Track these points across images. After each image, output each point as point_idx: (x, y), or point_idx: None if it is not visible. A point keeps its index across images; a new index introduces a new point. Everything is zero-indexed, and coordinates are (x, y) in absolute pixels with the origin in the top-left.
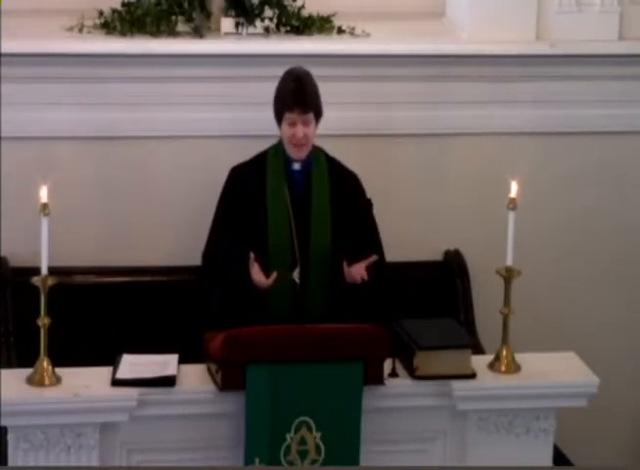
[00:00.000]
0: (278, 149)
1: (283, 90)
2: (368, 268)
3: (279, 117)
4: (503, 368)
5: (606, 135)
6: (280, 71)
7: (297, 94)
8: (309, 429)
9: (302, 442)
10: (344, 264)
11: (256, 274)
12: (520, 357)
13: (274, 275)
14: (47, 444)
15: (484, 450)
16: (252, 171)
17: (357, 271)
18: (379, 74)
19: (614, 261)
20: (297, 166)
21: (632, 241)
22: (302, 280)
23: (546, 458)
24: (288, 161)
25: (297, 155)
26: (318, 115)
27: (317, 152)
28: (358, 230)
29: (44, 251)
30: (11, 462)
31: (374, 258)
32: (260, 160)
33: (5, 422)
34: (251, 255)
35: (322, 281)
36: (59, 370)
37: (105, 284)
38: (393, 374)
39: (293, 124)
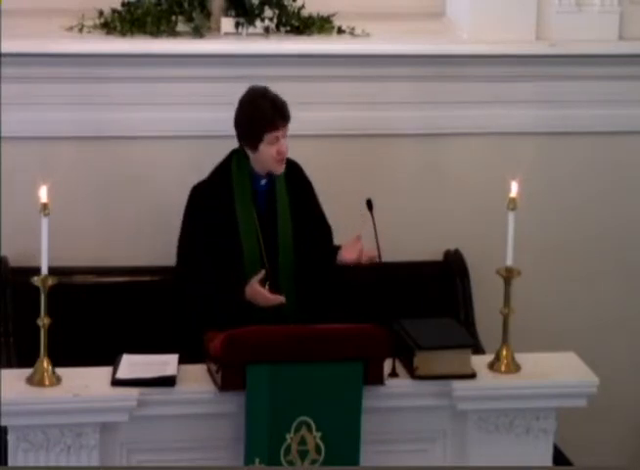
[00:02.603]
0: (241, 164)
1: (260, 111)
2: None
3: (258, 139)
4: (503, 368)
5: (606, 135)
6: (280, 71)
7: (279, 110)
8: (309, 429)
9: (302, 442)
10: (339, 254)
11: (268, 296)
12: (520, 357)
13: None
14: (47, 444)
15: (484, 450)
16: (217, 189)
17: (352, 250)
18: (379, 74)
19: (614, 261)
20: (263, 182)
21: (632, 241)
22: (272, 292)
23: (546, 458)
24: (254, 177)
25: (281, 170)
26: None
27: None
28: (311, 218)
29: (44, 251)
30: (11, 462)
31: (359, 237)
32: (222, 175)
33: (5, 422)
34: (261, 274)
35: (290, 290)
36: (59, 370)
37: (105, 284)
38: (393, 374)
39: (275, 141)
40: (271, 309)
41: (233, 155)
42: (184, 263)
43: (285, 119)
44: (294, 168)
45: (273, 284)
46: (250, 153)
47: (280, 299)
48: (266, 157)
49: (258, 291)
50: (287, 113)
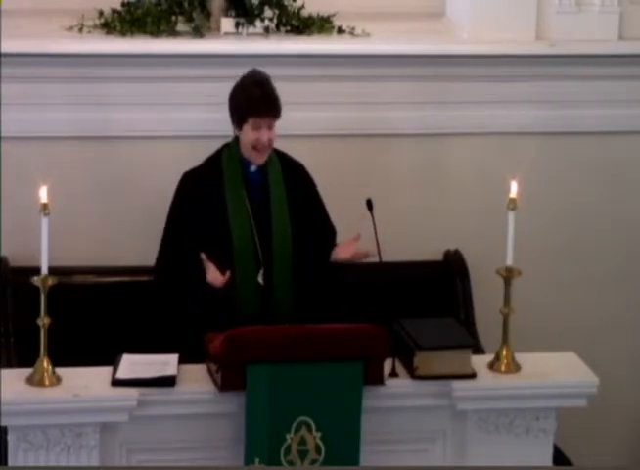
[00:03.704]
0: (232, 152)
1: (248, 94)
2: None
3: (242, 121)
4: (503, 368)
5: (606, 135)
6: (280, 71)
7: (267, 100)
8: (309, 429)
9: (302, 442)
10: (334, 251)
11: (211, 274)
12: (520, 357)
13: (228, 274)
14: (47, 444)
15: (484, 450)
16: (207, 177)
17: (347, 249)
18: (379, 74)
19: (613, 261)
20: (253, 169)
21: (632, 241)
22: (267, 280)
23: (546, 458)
24: (244, 163)
25: (259, 160)
26: (278, 117)
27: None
28: (312, 217)
29: (44, 251)
30: (11, 462)
31: (358, 235)
32: (213, 164)
33: (5, 422)
34: (202, 255)
35: (286, 280)
36: (59, 370)
37: (105, 284)
38: (393, 374)
39: (257, 129)
40: (265, 301)
41: (225, 146)
42: (165, 251)
43: (270, 112)
44: (296, 169)
45: (267, 273)
46: (237, 133)
47: (222, 280)
48: (246, 140)
49: (208, 271)
50: (274, 107)
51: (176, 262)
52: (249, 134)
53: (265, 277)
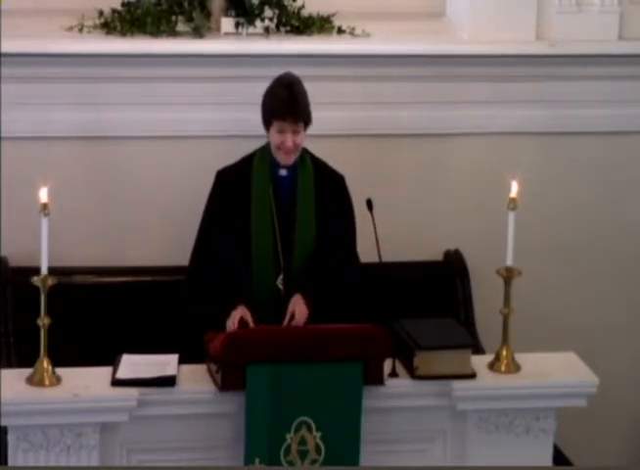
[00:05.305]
0: (264, 153)
1: (274, 97)
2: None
3: (267, 123)
4: (503, 368)
5: (606, 135)
6: (280, 71)
7: (290, 104)
8: (309, 429)
9: (302, 442)
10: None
11: (229, 321)
12: (520, 357)
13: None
14: (47, 444)
15: (484, 450)
16: (238, 175)
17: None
18: (379, 74)
19: (614, 261)
20: (283, 172)
21: (632, 241)
22: (286, 286)
23: (546, 458)
24: (274, 165)
25: (285, 161)
26: (308, 122)
27: (303, 155)
28: (335, 232)
29: (44, 251)
30: (11, 462)
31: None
32: (246, 163)
33: (5, 422)
34: (242, 311)
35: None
36: (59, 370)
37: (105, 284)
38: (393, 374)
39: (282, 132)
40: (276, 310)
41: (260, 148)
42: (198, 248)
43: (293, 116)
44: (333, 180)
45: (286, 277)
46: (266, 134)
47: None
48: (272, 143)
49: (232, 319)
50: (297, 112)
51: (206, 261)
52: (274, 136)
53: (285, 282)
